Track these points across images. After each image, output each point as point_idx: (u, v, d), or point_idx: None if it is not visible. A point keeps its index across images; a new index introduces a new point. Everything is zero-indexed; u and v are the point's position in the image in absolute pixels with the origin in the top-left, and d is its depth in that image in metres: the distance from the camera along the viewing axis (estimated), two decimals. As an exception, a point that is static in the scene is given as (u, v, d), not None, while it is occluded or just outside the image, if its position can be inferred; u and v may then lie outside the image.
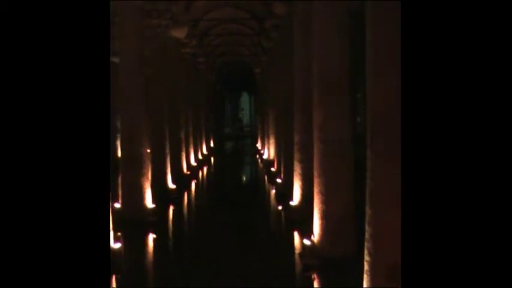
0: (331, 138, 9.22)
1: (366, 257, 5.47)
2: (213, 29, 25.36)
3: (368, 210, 5.46)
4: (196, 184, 22.26)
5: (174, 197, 16.75)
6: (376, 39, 5.39)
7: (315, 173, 9.52)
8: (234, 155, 41.57)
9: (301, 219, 11.86)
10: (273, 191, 18.56)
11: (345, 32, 9.35)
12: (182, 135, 20.64)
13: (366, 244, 5.47)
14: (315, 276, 9.03)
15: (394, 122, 5.22)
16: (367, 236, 5.46)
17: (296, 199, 13.12)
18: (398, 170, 5.20)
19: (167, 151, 16.86)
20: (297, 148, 12.96)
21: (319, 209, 9.33)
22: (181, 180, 19.05)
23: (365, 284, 5.52)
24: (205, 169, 27.95)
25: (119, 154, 14.97)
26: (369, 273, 5.43)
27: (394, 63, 5.21)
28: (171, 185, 16.95)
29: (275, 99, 20.96)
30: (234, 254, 10.62)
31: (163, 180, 16.47)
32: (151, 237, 12.37)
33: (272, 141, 24.44)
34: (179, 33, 18.75)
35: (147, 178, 13.28)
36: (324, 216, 9.24)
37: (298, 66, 12.71)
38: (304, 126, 12.33)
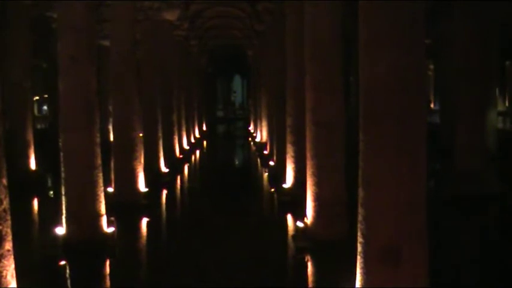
0: (323, 121, 9.21)
1: (359, 239, 5.47)
2: (205, 11, 25.19)
3: (360, 192, 5.46)
4: (188, 167, 22.25)
5: (167, 181, 16.74)
6: (369, 21, 5.35)
7: (308, 156, 9.53)
8: (226, 138, 41.52)
9: (294, 201, 11.90)
10: (266, 174, 18.58)
11: (337, 14, 9.31)
12: (174, 118, 20.58)
13: (359, 226, 5.47)
14: (307, 258, 9.07)
15: (386, 104, 5.22)
16: (360, 217, 5.46)
17: (289, 182, 13.15)
18: (390, 152, 5.24)
19: (159, 135, 16.83)
20: (290, 131, 12.97)
21: (312, 192, 9.34)
22: (174, 164, 19.03)
23: (358, 265, 5.54)
24: (197, 152, 27.93)
25: (111, 138, 14.93)
26: (362, 255, 5.44)
27: (386, 45, 5.21)
28: (163, 169, 16.93)
29: (268, 82, 20.92)
30: (226, 236, 10.64)
31: (155, 164, 16.45)
32: (144, 220, 12.37)
33: (264, 124, 24.44)
34: (171, 16, 18.65)
35: (140, 162, 13.25)
36: (317, 199, 9.26)
37: (290, 49, 12.67)
38: (296, 108, 12.33)
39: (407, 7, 5.16)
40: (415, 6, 5.21)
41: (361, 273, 5.50)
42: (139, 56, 15.31)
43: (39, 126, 29.71)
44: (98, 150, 9.55)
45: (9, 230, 4.85)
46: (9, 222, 4.85)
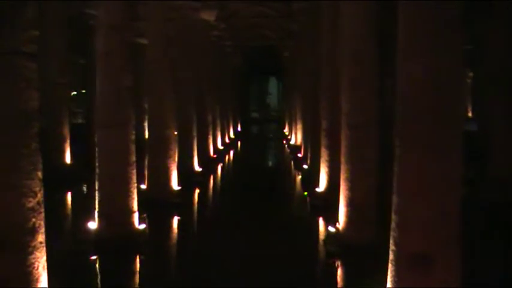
0: (359, 125, 9.11)
1: (392, 246, 5.38)
2: (240, 11, 25.23)
3: (395, 199, 5.37)
4: (222, 168, 22.28)
5: (200, 180, 16.77)
6: (406, 23, 5.27)
7: (342, 160, 9.43)
8: (260, 139, 41.49)
9: (327, 205, 11.80)
10: (299, 177, 18.51)
11: (374, 16, 9.21)
12: (209, 118, 20.64)
13: (392, 233, 5.37)
14: (338, 263, 8.99)
15: (422, 108, 5.13)
16: (393, 224, 5.37)
17: (322, 185, 13.05)
18: (425, 158, 5.14)
19: (194, 134, 16.87)
20: (324, 134, 12.87)
21: (345, 196, 9.25)
22: (207, 163, 19.07)
23: (389, 273, 5.45)
24: (231, 153, 27.96)
25: (146, 136, 15.02)
26: (393, 263, 5.35)
27: (424, 48, 5.11)
28: (197, 168, 16.97)
29: (302, 84, 20.83)
30: (256, 238, 10.59)
31: (189, 162, 16.51)
32: (175, 219, 12.41)
33: (299, 126, 24.34)
34: (208, 16, 18.71)
35: (174, 160, 13.30)
36: (350, 204, 9.16)
37: (326, 51, 12.59)
38: (331, 112, 12.24)
39: (446, 10, 5.06)
40: (453, 9, 5.11)
41: (391, 281, 5.41)
42: (175, 55, 15.37)
43: (75, 121, 30.01)
44: (133, 147, 9.61)
45: (42, 223, 4.90)
46: (42, 215, 4.90)
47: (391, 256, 5.42)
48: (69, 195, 15.08)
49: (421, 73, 5.09)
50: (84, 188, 16.12)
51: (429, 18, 5.07)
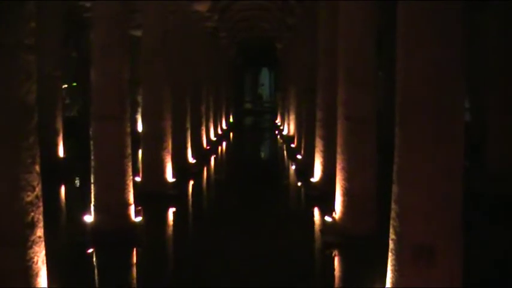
0: (355, 115, 9.11)
1: (392, 235, 5.38)
2: (235, 3, 25.13)
3: (394, 188, 5.37)
4: (215, 159, 22.26)
5: (194, 172, 16.74)
6: (407, 15, 5.26)
7: (338, 150, 9.43)
8: (253, 130, 41.47)
9: (322, 196, 11.82)
10: (293, 167, 18.51)
11: (372, 8, 9.19)
12: (203, 109, 20.58)
13: (392, 222, 5.38)
14: (336, 253, 8.99)
15: (423, 99, 5.13)
16: (393, 214, 5.37)
17: (317, 176, 13.06)
18: (426, 147, 5.14)
19: (188, 125, 16.81)
20: (320, 124, 12.87)
21: (342, 186, 9.25)
22: (201, 155, 19.04)
23: (389, 262, 5.45)
24: (224, 144, 27.94)
25: (140, 128, 14.94)
26: (394, 252, 5.35)
27: (425, 39, 5.10)
28: (191, 160, 16.94)
29: (297, 75, 20.80)
30: (252, 229, 10.59)
31: (183, 154, 16.45)
32: (171, 211, 12.39)
33: (292, 117, 24.34)
34: (201, 7, 18.63)
35: (168, 152, 13.25)
36: (346, 193, 9.16)
37: (322, 43, 12.55)
38: (327, 102, 12.23)
39: (447, 5, 5.05)
40: (454, 5, 5.10)
41: (392, 270, 5.42)
42: (170, 47, 15.29)
43: (68, 114, 29.84)
44: (129, 140, 9.57)
45: (41, 217, 4.87)
46: (41, 209, 4.87)
47: (391, 245, 5.42)
48: (63, 189, 15.01)
49: (421, 63, 5.09)
50: (78, 181, 16.06)
51: (430, 9, 5.05)
